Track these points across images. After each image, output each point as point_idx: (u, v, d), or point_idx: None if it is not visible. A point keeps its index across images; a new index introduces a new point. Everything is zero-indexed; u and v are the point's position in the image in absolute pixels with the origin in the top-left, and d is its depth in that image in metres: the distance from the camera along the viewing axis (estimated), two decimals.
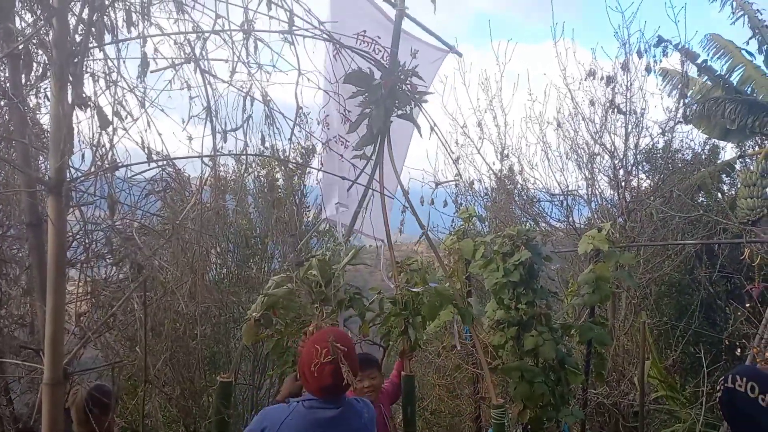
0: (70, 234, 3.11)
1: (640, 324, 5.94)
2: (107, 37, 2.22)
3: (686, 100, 9.16)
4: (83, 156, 2.37)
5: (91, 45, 2.14)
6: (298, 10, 2.56)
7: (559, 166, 9.14)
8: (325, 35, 2.85)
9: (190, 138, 2.68)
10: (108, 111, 2.22)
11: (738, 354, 6.94)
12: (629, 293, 7.95)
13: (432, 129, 4.11)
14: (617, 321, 7.65)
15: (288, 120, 2.71)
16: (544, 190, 9.39)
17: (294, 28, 2.51)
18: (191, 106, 2.49)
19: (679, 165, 10.18)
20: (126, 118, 2.32)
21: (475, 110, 9.61)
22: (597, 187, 8.83)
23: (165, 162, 2.78)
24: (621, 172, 8.35)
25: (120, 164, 2.36)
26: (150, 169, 2.73)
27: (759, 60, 10.08)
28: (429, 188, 6.96)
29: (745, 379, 1.99)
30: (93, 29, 2.11)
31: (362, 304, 3.89)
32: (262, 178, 8.85)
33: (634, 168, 8.52)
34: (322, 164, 4.46)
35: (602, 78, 8.19)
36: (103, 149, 2.28)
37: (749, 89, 10.09)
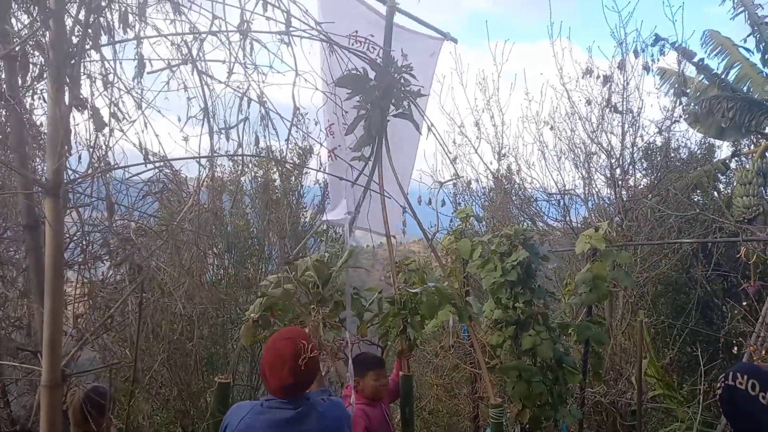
0: (68, 235, 3.10)
1: (638, 323, 5.95)
2: (104, 39, 2.21)
3: (683, 99, 9.16)
4: (80, 157, 2.37)
5: (87, 47, 2.13)
6: (295, 11, 2.56)
7: (556, 165, 9.19)
8: (322, 36, 2.85)
9: (185, 139, 2.67)
10: (105, 112, 2.22)
11: (735, 352, 6.95)
12: (626, 292, 7.97)
13: (429, 129, 4.11)
14: (614, 320, 7.67)
15: (285, 121, 2.70)
16: (541, 189, 9.43)
17: (291, 28, 2.51)
18: (189, 107, 2.48)
19: (676, 164, 10.20)
20: (123, 119, 2.31)
21: (472, 110, 9.65)
22: (594, 186, 8.86)
23: (162, 163, 2.78)
24: (618, 171, 8.37)
25: (116, 166, 2.36)
26: (147, 171, 2.72)
27: (756, 58, 10.06)
28: (428, 188, 6.96)
29: (745, 376, 1.99)
30: (90, 31, 2.11)
31: (360, 304, 3.90)
32: (259, 179, 8.85)
33: (630, 167, 8.55)
34: (321, 166, 4.45)
35: (599, 77, 8.22)
36: (101, 151, 2.28)
37: (745, 87, 10.09)
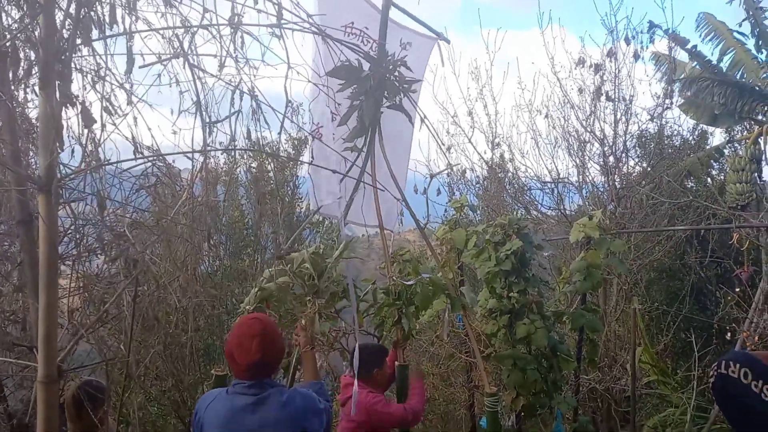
0: (62, 229, 3.09)
1: (632, 310, 6.00)
2: (95, 33, 2.20)
3: (675, 86, 9.16)
4: (73, 151, 2.36)
5: (78, 42, 2.12)
6: (286, 4, 2.54)
7: (549, 153, 9.19)
8: (314, 28, 2.84)
9: (174, 133, 2.65)
10: (97, 107, 2.21)
11: (728, 338, 7.02)
12: (620, 279, 8.01)
13: (423, 120, 4.11)
14: (609, 307, 7.72)
15: (278, 113, 2.69)
16: (535, 178, 9.44)
17: (283, 21, 2.50)
18: (181, 100, 2.47)
19: (669, 151, 10.22)
20: (115, 113, 2.30)
21: (465, 99, 9.63)
22: (588, 174, 8.88)
23: (155, 157, 2.77)
24: (611, 158, 8.39)
25: (108, 161, 2.35)
26: (139, 164, 2.71)
27: (750, 43, 10.02)
28: (423, 177, 6.95)
29: (738, 365, 1.99)
30: (80, 25, 2.10)
31: (356, 295, 3.91)
32: (254, 170, 8.84)
33: (623, 155, 8.57)
34: (313, 158, 4.44)
35: (591, 66, 8.21)
36: (92, 145, 2.27)
37: (739, 74, 10.08)
